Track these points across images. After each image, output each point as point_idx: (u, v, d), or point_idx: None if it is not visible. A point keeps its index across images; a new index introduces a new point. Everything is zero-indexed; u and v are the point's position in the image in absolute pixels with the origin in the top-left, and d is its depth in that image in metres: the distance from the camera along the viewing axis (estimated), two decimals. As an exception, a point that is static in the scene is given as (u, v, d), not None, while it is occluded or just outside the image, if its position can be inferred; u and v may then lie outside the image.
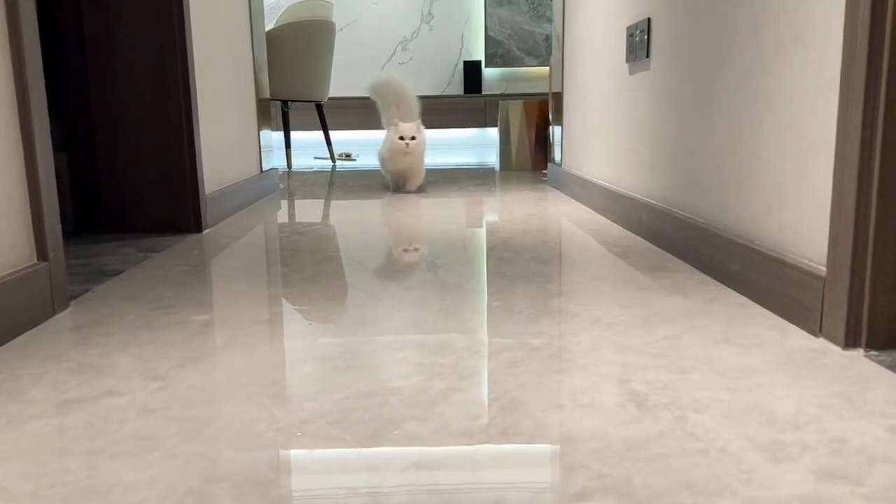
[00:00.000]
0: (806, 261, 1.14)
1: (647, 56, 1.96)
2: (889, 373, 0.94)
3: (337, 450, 0.76)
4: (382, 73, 3.34)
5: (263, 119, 3.13)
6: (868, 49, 0.96)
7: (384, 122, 3.26)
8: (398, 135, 2.94)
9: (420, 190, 3.20)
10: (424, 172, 3.15)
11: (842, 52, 1.02)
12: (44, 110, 1.27)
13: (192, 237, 2.03)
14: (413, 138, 2.94)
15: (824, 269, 1.08)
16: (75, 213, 2.10)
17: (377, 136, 6.32)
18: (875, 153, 0.98)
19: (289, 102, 4.36)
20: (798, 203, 1.18)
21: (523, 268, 1.61)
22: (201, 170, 2.12)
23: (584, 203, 2.66)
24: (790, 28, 1.20)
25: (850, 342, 1.03)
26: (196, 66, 2.12)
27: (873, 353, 1.02)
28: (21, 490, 0.68)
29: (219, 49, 2.48)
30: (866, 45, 0.96)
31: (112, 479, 0.70)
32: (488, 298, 1.34)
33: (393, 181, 3.16)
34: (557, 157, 3.26)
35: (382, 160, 3.13)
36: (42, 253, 1.25)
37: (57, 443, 0.78)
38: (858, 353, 1.01)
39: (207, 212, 2.15)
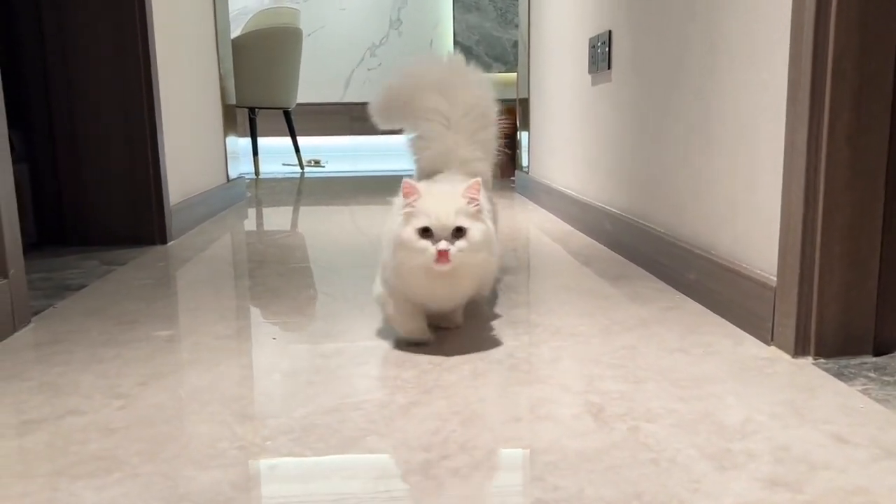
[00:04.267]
0: (758, 271, 1.18)
1: (609, 68, 2.00)
2: (835, 380, 0.98)
3: (299, 466, 0.77)
4: (401, 71, 1.47)
5: (230, 126, 3.12)
6: (812, 69, 1.00)
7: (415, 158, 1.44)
8: (418, 223, 1.05)
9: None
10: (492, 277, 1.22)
11: (788, 72, 1.06)
12: (2, 119, 1.25)
13: (157, 249, 2.02)
14: (460, 232, 1.04)
15: (775, 279, 1.12)
16: (38, 225, 2.07)
17: (349, 142, 6.27)
18: (820, 168, 1.02)
19: (256, 109, 4.34)
20: (750, 214, 1.22)
21: (488, 278, 1.63)
22: (165, 180, 2.10)
23: (550, 211, 2.69)
24: (741, 47, 1.24)
25: (799, 350, 1.07)
26: (160, 73, 2.11)
27: (821, 360, 1.05)
28: (-20, 514, 0.68)
29: (183, 56, 2.47)
30: (810, 64, 1.00)
31: (73, 501, 0.70)
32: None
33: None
34: (525, 163, 3.30)
35: (395, 280, 1.12)
36: (2, 269, 1.23)
37: (18, 464, 0.78)
38: (807, 361, 1.05)
39: (172, 223, 2.14)
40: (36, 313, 1.35)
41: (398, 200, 1.09)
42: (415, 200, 1.06)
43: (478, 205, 1.06)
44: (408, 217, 1.06)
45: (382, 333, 1.21)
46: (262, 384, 1.02)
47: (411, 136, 1.43)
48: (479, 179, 1.07)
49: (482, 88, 1.44)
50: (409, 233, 1.04)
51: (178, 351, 1.15)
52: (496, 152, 1.47)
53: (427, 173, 1.36)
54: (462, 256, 1.04)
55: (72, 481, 0.74)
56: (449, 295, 1.13)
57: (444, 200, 1.05)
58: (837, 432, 0.82)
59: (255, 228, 2.59)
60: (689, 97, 1.46)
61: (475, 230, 1.05)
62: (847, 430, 0.83)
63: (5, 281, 1.23)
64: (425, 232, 1.04)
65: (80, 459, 0.78)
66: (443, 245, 1.02)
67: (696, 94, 1.43)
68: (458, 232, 1.04)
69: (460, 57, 1.47)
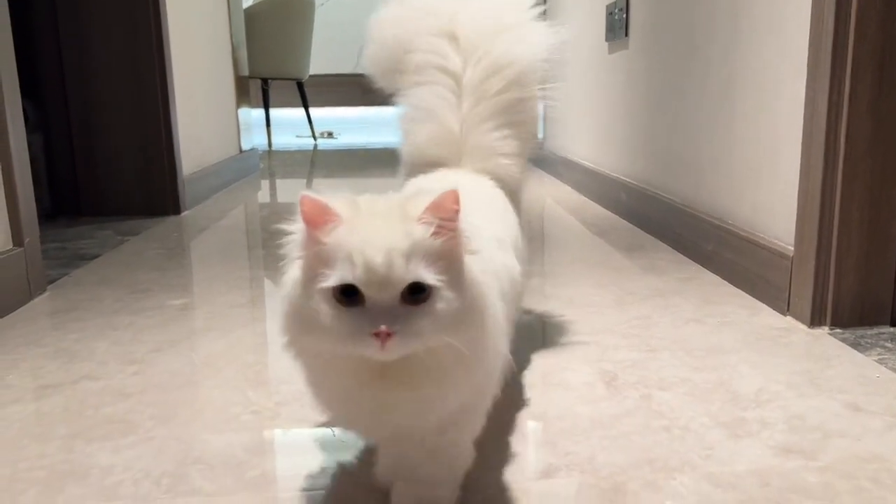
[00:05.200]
0: (776, 241, 1.17)
1: (626, 35, 1.97)
2: (851, 350, 0.97)
3: (311, 431, 0.77)
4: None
5: (242, 97, 3.10)
6: (833, 36, 0.98)
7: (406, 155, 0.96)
8: (333, 279, 0.49)
9: None
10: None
11: (809, 33, 1.04)
12: (15, 89, 1.25)
13: (171, 219, 2.03)
14: (418, 293, 0.49)
15: (793, 248, 1.10)
16: (52, 196, 2.08)
17: (361, 114, 6.22)
18: (840, 135, 1.00)
19: (269, 80, 4.32)
20: (769, 184, 1.20)
21: (501, 248, 1.62)
22: (178, 150, 2.10)
23: (566, 183, 2.67)
24: (763, 15, 1.21)
25: (815, 320, 1.05)
26: (172, 44, 2.09)
27: (837, 330, 1.04)
28: (-2, 475, 0.69)
29: (195, 26, 2.45)
30: (832, 32, 0.98)
31: (89, 462, 0.71)
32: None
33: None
34: (540, 136, 3.26)
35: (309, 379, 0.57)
36: (17, 238, 1.24)
37: (34, 427, 0.79)
38: (823, 331, 1.04)
39: (186, 193, 2.14)
40: (51, 282, 1.36)
41: (298, 230, 0.54)
42: (329, 231, 0.51)
43: (453, 235, 0.52)
44: (312, 265, 0.52)
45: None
46: (276, 351, 1.02)
47: (401, 108, 0.95)
48: (455, 190, 0.51)
49: (528, 38, 0.89)
50: (319, 300, 0.51)
51: (192, 319, 1.16)
52: (533, 142, 0.99)
53: (415, 168, 0.90)
54: (419, 342, 0.50)
55: (87, 443, 0.75)
56: (394, 419, 0.55)
57: (383, 230, 0.51)
58: (853, 401, 0.81)
59: (268, 200, 2.59)
60: (710, 64, 1.43)
61: (446, 291, 0.51)
62: (863, 399, 0.82)
63: (21, 249, 1.23)
64: (347, 295, 0.50)
65: (95, 422, 0.79)
66: (383, 327, 0.49)
67: (717, 61, 1.40)
68: (415, 292, 0.50)
69: None
